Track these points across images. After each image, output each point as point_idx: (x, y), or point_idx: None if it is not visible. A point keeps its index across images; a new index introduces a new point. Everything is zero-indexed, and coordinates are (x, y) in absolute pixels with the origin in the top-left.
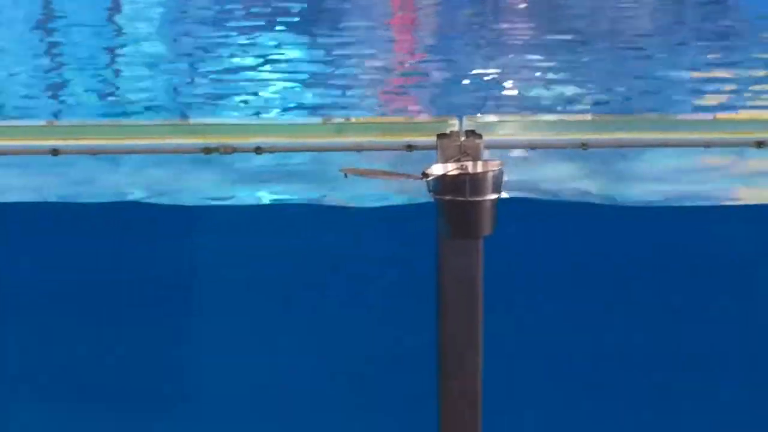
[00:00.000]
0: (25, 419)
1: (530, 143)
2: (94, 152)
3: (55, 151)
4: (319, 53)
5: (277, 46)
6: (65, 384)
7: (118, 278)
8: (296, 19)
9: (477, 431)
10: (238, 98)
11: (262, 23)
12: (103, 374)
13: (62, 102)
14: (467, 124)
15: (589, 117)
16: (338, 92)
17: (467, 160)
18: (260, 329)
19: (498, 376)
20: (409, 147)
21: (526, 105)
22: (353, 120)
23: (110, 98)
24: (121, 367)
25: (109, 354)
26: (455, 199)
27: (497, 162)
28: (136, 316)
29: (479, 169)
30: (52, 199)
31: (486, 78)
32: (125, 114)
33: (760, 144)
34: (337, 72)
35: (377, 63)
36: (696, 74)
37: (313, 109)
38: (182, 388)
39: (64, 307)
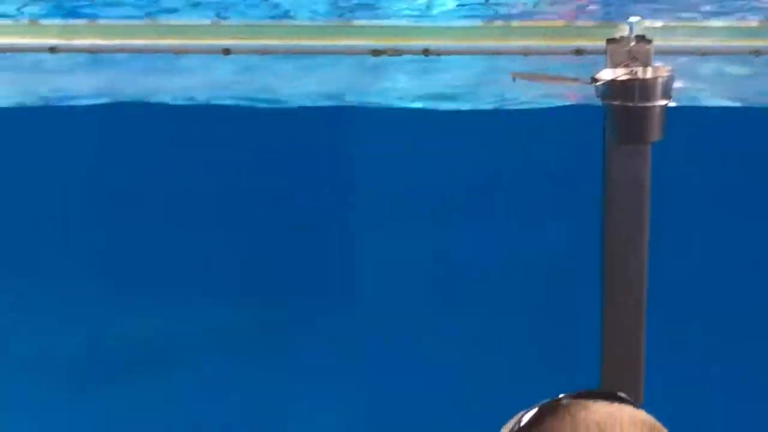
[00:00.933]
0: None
1: (700, 49)
2: (263, 52)
3: (226, 51)
4: None
5: None
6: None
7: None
8: None
9: (640, 337)
10: (402, 3)
11: None
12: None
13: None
14: (637, 29)
15: (755, 23)
16: None
17: (637, 66)
18: (426, 229)
19: (662, 282)
20: (578, 51)
21: (696, 10)
22: (521, 24)
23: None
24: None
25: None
26: (624, 104)
27: (667, 68)
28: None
29: (649, 74)
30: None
31: None
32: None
33: None
34: None
35: None
36: None
37: (481, 12)
38: (351, 288)
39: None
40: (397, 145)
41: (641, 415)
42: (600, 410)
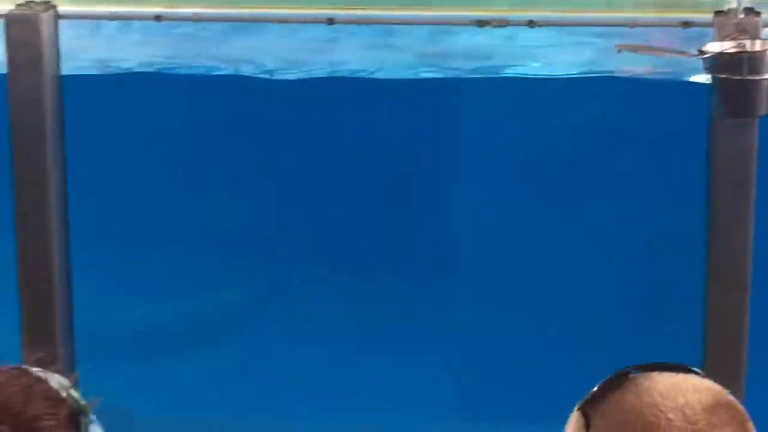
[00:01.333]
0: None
1: None
2: (366, 22)
3: (330, 20)
4: None
5: None
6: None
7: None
8: None
9: (744, 313)
10: None
11: None
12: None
13: None
14: (746, 0)
15: None
16: None
17: (745, 38)
18: (526, 199)
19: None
20: (685, 24)
21: None
22: None
23: None
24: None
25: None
26: (731, 77)
27: None
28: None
29: (758, 47)
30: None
31: None
32: None
33: None
34: None
35: None
36: None
37: None
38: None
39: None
40: (498, 114)
41: (707, 383)
42: (664, 380)
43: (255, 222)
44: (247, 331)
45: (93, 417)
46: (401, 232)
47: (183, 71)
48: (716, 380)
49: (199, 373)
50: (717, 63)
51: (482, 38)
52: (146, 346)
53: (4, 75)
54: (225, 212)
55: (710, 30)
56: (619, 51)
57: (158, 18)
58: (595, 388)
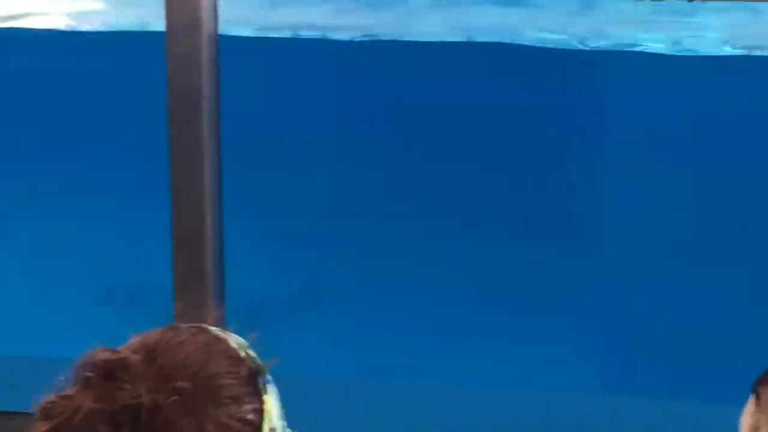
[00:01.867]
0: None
1: None
2: None
3: None
4: None
5: None
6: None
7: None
8: None
9: None
10: None
11: None
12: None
13: None
14: None
15: None
16: None
17: None
18: (671, 175)
19: None
20: None
21: None
22: None
23: None
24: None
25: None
26: None
27: None
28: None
29: None
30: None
31: None
32: None
33: None
34: None
35: None
36: None
37: None
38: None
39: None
40: (646, 87)
41: None
42: None
43: (395, 185)
44: (386, 296)
45: (269, 377)
46: (542, 198)
47: (330, 37)
48: None
49: (327, 337)
50: None
51: None
52: (283, 309)
53: (161, 35)
54: (371, 176)
55: None
56: None
57: None
58: None
